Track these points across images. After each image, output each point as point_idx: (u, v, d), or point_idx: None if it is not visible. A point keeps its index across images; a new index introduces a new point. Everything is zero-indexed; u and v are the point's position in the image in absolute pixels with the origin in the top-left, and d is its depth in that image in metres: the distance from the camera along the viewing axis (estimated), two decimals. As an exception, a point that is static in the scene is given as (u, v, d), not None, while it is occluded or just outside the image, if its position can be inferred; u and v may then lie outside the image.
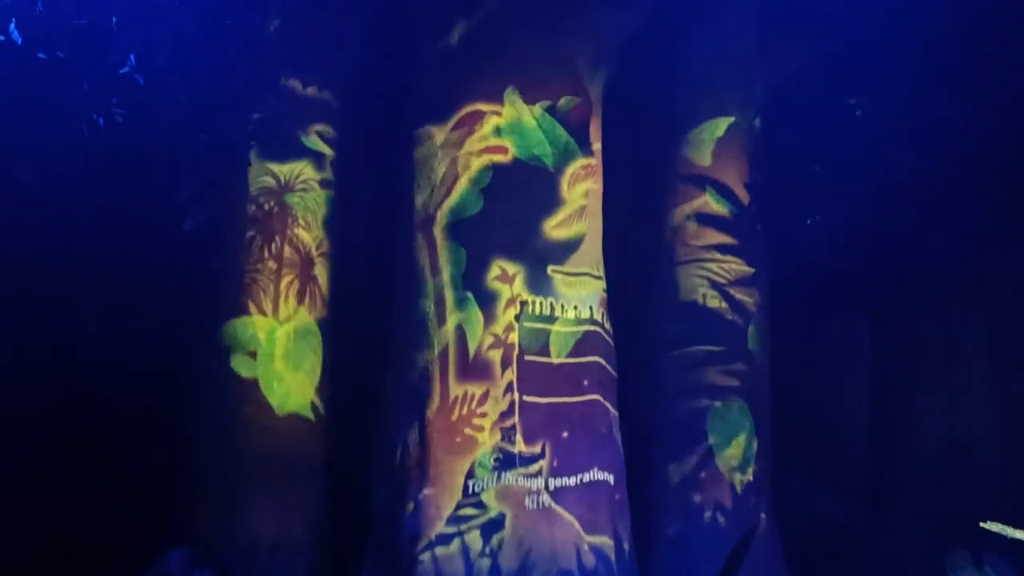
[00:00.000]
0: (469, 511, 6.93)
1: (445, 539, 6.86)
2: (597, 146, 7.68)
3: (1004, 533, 6.11)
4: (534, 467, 7.03)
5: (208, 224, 7.36)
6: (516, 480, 6.98)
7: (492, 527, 6.89)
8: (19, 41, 6.06)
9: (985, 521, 6.16)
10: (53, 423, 8.03)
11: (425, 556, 6.84)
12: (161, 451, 7.89)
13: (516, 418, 7.06)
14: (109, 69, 6.55)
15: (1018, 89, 7.20)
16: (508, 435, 7.03)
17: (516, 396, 7.10)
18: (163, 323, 7.92)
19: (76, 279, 7.67)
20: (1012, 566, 7.12)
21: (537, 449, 7.05)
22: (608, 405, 7.43)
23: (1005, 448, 8.12)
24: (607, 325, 7.56)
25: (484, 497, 6.93)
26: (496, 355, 7.16)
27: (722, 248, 8.07)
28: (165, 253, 7.71)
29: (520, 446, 7.03)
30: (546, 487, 7.00)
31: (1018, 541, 6.05)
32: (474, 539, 6.88)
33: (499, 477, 6.98)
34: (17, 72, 6.15)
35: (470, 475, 6.97)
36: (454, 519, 6.91)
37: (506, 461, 6.98)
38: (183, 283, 7.91)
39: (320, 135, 8.04)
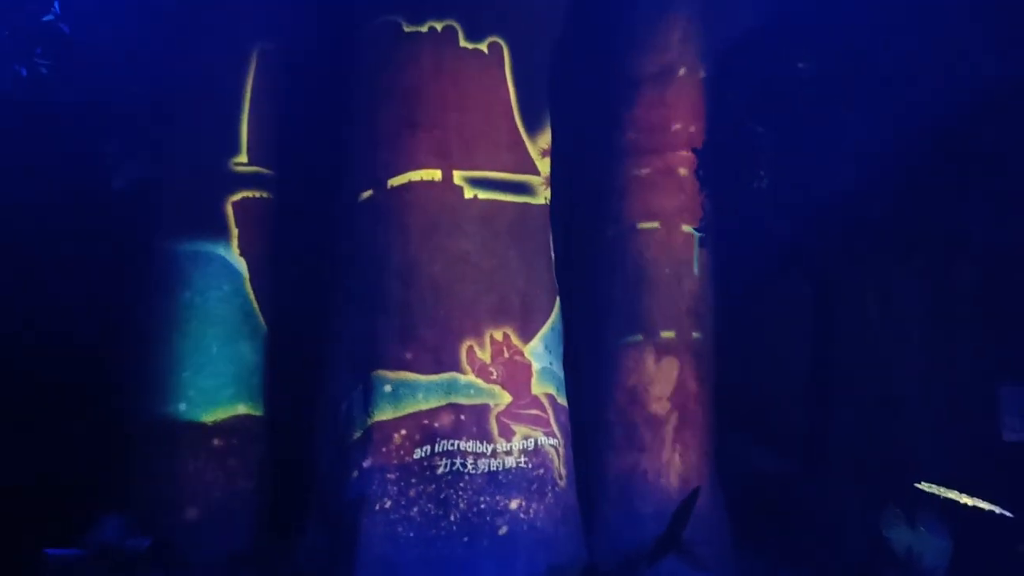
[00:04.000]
0: (414, 474, 6.88)
1: (391, 502, 6.81)
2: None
3: (937, 493, 6.30)
4: (482, 432, 7.01)
5: (139, 183, 7.04)
6: (463, 445, 6.94)
7: (438, 489, 6.85)
8: (-71, -14, 5.68)
9: (919, 480, 6.33)
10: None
11: (368, 519, 6.77)
12: (95, 415, 7.68)
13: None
14: (31, 16, 6.18)
15: (965, 55, 7.23)
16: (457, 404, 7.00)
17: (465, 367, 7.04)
18: (92, 287, 7.64)
19: (-1, 240, 7.34)
20: (943, 524, 7.33)
21: (486, 416, 7.03)
22: (554, 366, 7.41)
23: (940, 406, 8.32)
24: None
25: (429, 460, 6.89)
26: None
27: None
28: (92, 212, 7.40)
29: (468, 412, 7.00)
30: (493, 452, 6.98)
31: (950, 500, 6.24)
32: (419, 501, 6.85)
33: (445, 440, 6.93)
34: (-71, 20, 5.78)
35: (416, 441, 6.91)
36: (399, 482, 6.86)
37: (455, 425, 6.94)
38: (113, 245, 7.63)
39: None
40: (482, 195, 7.25)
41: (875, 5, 7.41)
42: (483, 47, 7.03)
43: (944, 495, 6.32)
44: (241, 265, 7.68)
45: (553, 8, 7.71)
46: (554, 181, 7.64)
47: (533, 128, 7.49)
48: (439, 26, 6.91)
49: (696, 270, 8.22)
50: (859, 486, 8.19)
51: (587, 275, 8.27)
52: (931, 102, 7.43)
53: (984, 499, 6.25)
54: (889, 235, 8.05)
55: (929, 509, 7.15)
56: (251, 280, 7.69)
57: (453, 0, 6.97)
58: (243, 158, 7.66)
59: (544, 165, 7.57)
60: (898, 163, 7.61)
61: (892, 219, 7.89)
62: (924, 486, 6.33)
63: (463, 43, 6.94)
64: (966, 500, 6.19)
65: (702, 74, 8.34)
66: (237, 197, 7.65)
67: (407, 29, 6.93)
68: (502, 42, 7.13)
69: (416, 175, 7.18)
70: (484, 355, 7.10)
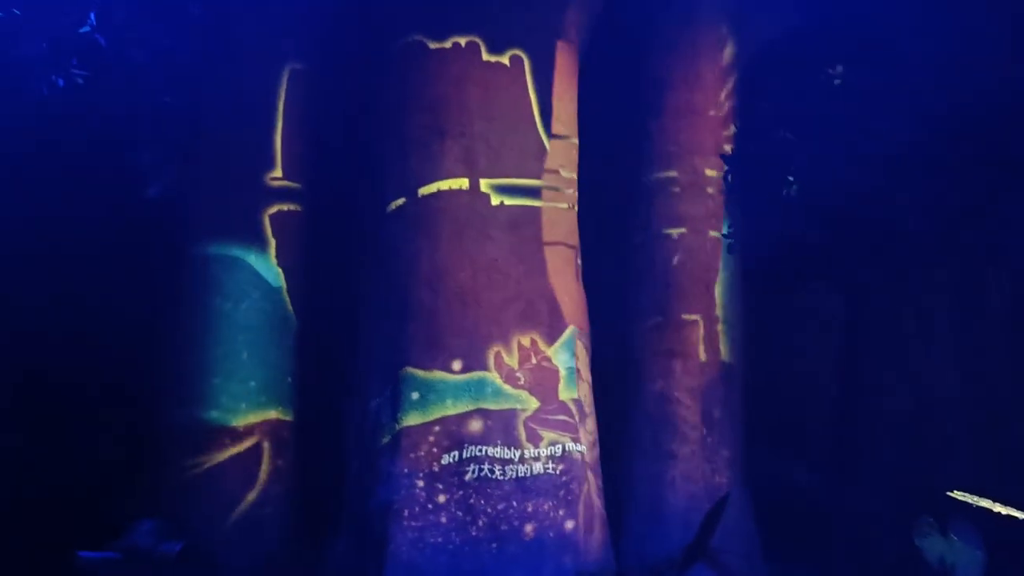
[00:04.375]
0: (442, 480, 6.89)
1: (419, 508, 6.83)
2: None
3: (969, 502, 6.20)
4: (509, 438, 7.02)
5: (172, 190, 7.15)
6: (490, 451, 6.95)
7: (466, 495, 6.86)
8: (-28, -1, 5.81)
9: (951, 490, 6.24)
10: (15, 393, 7.87)
11: (396, 525, 6.79)
12: (130, 421, 7.78)
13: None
14: (68, 28, 6.29)
15: (995, 63, 7.18)
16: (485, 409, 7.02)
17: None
18: (125, 292, 7.75)
19: (34, 246, 7.46)
20: (976, 533, 7.23)
21: (513, 421, 7.05)
22: (583, 374, 7.39)
23: (971, 417, 8.22)
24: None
25: (457, 467, 6.90)
26: None
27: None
28: (126, 219, 7.52)
29: (496, 418, 7.02)
30: (520, 458, 6.99)
31: (983, 509, 6.15)
32: (447, 507, 6.85)
33: (473, 446, 6.94)
34: (-29, 31, 5.90)
35: (444, 447, 6.94)
36: (427, 488, 6.88)
37: (483, 430, 6.96)
38: (147, 251, 7.74)
39: None
40: (508, 201, 7.30)
41: (906, 11, 7.38)
42: (505, 60, 7.21)
43: (977, 504, 6.22)
44: (274, 274, 7.79)
45: (576, 21, 7.78)
46: (583, 187, 7.67)
47: (558, 136, 7.55)
48: (463, 41, 7.12)
49: (723, 276, 8.20)
50: (891, 497, 8.11)
51: (615, 281, 8.28)
52: (965, 110, 7.37)
53: (1018, 508, 6.15)
54: (924, 245, 7.98)
55: (962, 518, 7.06)
56: (283, 288, 7.79)
57: (475, 18, 7.16)
58: (278, 172, 7.83)
59: (570, 171, 7.60)
60: (933, 174, 7.55)
61: (926, 231, 7.81)
62: (957, 494, 6.24)
63: (486, 56, 7.15)
64: (1000, 509, 6.10)
65: (731, 80, 8.36)
66: (273, 210, 7.81)
67: (432, 46, 7.16)
68: (523, 54, 7.31)
69: (444, 184, 7.24)
70: (511, 361, 7.10)
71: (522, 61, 7.32)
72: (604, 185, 8.21)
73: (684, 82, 8.32)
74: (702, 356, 8.10)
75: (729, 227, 8.23)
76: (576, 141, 7.68)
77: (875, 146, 7.61)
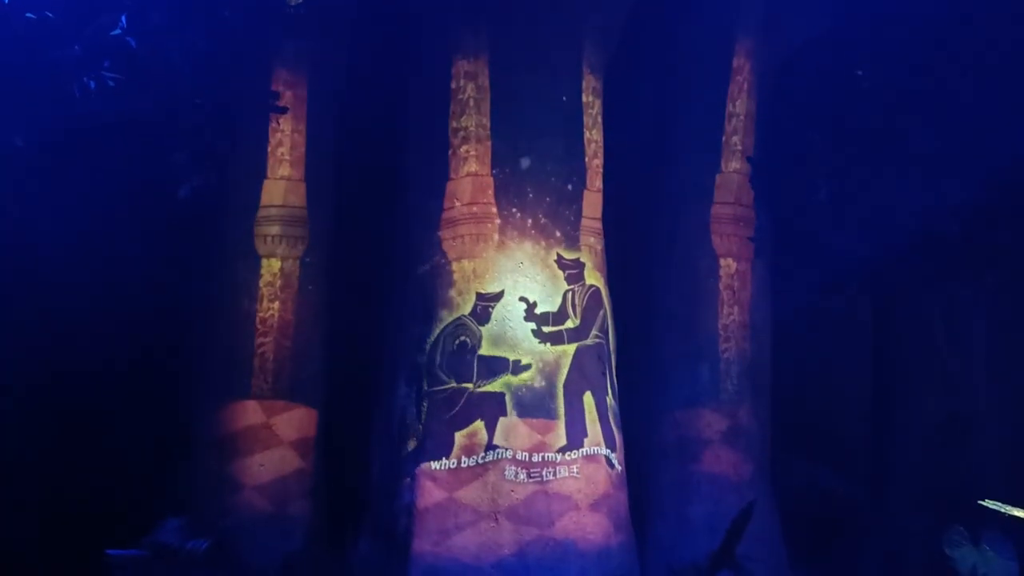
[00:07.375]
0: (466, 483, 6.88)
1: (442, 510, 6.84)
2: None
3: (1002, 511, 6.10)
4: (534, 441, 7.00)
5: (203, 191, 7.23)
6: (516, 454, 6.93)
7: (490, 497, 6.85)
8: (6, 1, 5.89)
9: (983, 499, 6.15)
10: (49, 392, 8.01)
11: (420, 527, 6.80)
12: (158, 421, 7.87)
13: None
14: (100, 31, 6.38)
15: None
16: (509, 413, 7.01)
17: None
18: (157, 292, 7.85)
19: (68, 248, 7.58)
20: (1009, 543, 7.12)
21: (537, 425, 7.02)
22: (608, 380, 7.39)
23: (1005, 427, 8.10)
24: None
25: (482, 469, 6.89)
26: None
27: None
28: (160, 220, 7.62)
29: (522, 421, 7.00)
30: (544, 461, 6.96)
31: (1016, 519, 6.05)
32: (471, 510, 6.85)
33: (498, 448, 6.93)
34: (5, 33, 5.99)
35: (468, 449, 6.93)
36: (452, 490, 6.88)
37: (507, 433, 6.93)
38: (178, 251, 7.83)
39: None
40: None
41: (932, 13, 7.30)
42: None
43: (1010, 513, 6.12)
44: (304, 274, 7.85)
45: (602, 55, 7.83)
46: (613, 190, 7.66)
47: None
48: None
49: (751, 282, 8.13)
50: (921, 506, 8.01)
51: (642, 288, 8.22)
52: (997, 112, 7.26)
53: None
54: (955, 252, 7.85)
55: (994, 528, 6.96)
56: (311, 290, 7.83)
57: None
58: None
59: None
60: (966, 177, 7.44)
61: (958, 235, 7.69)
62: (989, 503, 6.14)
63: None
64: (1033, 518, 5.99)
65: (754, 87, 8.31)
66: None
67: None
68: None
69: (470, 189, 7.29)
70: (536, 365, 7.09)
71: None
72: (631, 187, 8.18)
73: (709, 89, 8.26)
74: (729, 361, 8.02)
75: (756, 231, 8.15)
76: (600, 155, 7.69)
77: (905, 149, 7.51)
